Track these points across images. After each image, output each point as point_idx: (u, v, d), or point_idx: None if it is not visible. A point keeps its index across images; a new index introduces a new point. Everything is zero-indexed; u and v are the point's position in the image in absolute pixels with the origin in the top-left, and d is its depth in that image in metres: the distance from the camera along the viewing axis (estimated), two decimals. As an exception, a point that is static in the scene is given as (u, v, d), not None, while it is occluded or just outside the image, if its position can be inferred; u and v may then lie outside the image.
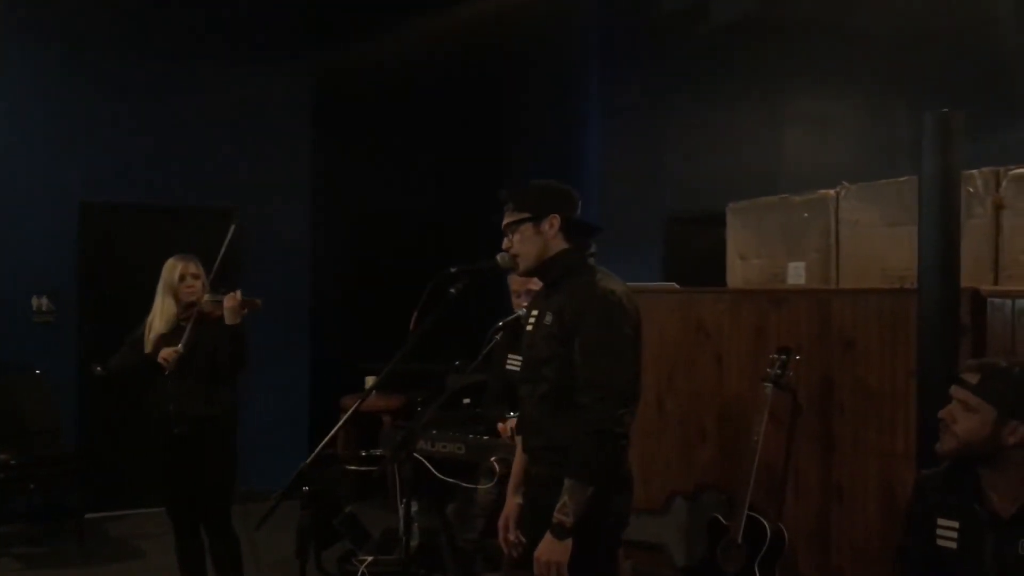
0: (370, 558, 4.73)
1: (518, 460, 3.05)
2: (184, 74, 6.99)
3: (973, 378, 2.35)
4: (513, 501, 3.00)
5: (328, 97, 7.56)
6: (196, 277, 4.37)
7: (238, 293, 4.26)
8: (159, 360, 4.21)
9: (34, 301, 6.54)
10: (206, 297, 4.32)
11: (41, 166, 6.58)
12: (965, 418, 2.33)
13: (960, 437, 2.33)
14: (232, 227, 4.44)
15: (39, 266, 6.54)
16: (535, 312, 2.96)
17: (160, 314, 4.34)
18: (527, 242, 2.84)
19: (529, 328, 2.96)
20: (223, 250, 4.38)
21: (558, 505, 2.65)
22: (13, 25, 6.53)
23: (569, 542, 2.65)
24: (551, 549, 2.66)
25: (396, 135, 7.76)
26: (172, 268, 4.39)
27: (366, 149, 7.69)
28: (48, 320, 6.58)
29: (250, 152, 7.18)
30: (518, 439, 3.06)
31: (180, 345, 4.19)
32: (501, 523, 3.02)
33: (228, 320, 4.22)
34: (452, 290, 2.87)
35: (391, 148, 7.77)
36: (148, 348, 4.29)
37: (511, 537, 2.97)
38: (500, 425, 3.96)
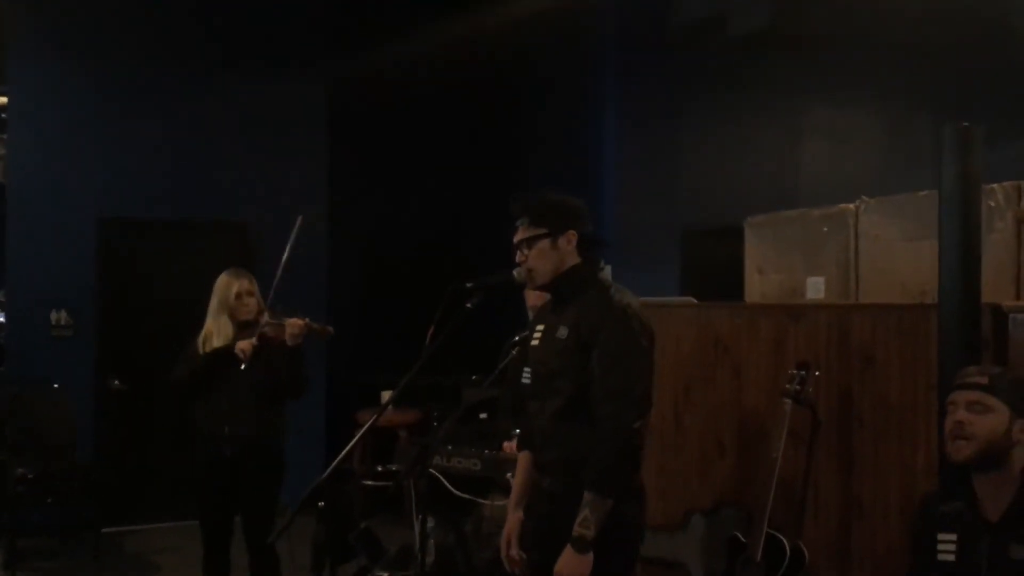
0: (385, 574, 4.71)
1: (520, 475, 3.03)
2: (200, 88, 7.03)
3: (983, 379, 2.40)
4: (515, 517, 3.00)
5: (344, 109, 7.58)
6: (251, 295, 4.28)
7: (300, 320, 4.13)
8: (236, 351, 4.11)
9: (52, 315, 6.58)
10: (266, 317, 4.21)
11: (59, 181, 6.63)
12: (984, 419, 2.35)
13: (980, 438, 2.34)
14: (299, 220, 4.25)
15: (57, 280, 6.58)
16: (541, 327, 2.95)
17: (217, 334, 4.23)
18: (543, 258, 2.84)
19: (535, 343, 2.94)
20: (288, 252, 4.26)
21: (579, 519, 2.65)
22: (32, 41, 6.59)
23: (591, 556, 2.65)
24: (573, 563, 2.66)
25: (413, 147, 7.78)
26: (227, 286, 4.28)
27: (383, 161, 7.71)
28: (66, 334, 6.61)
29: (267, 165, 7.20)
30: (521, 455, 3.04)
31: (255, 338, 4.10)
32: (504, 540, 3.02)
33: (290, 342, 4.12)
34: (468, 304, 2.86)
35: (408, 160, 7.78)
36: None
37: (514, 554, 2.97)
38: (506, 444, 3.94)
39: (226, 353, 4.16)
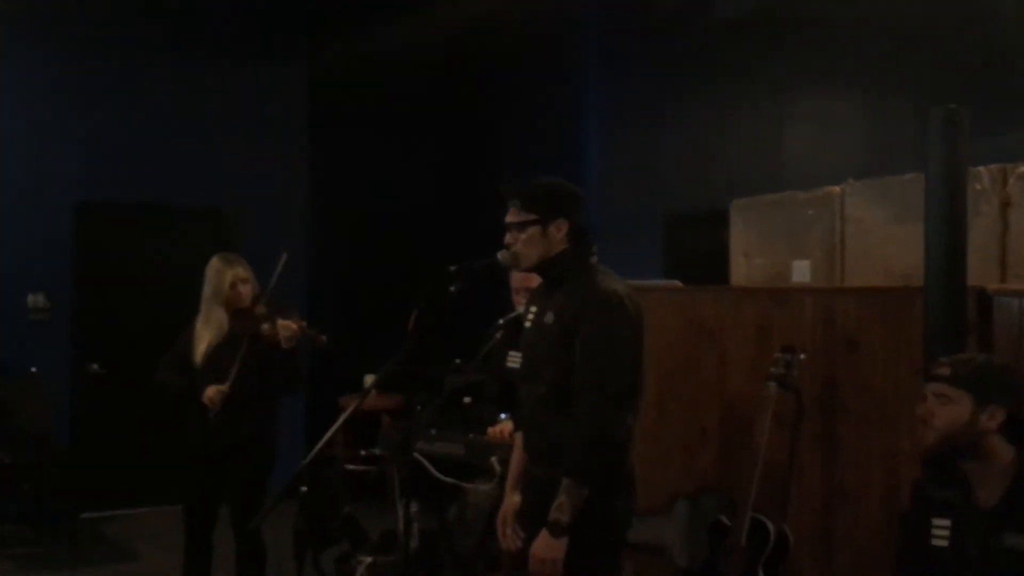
0: (369, 559, 4.69)
1: (516, 457, 3.02)
2: (179, 73, 6.96)
3: (945, 371, 2.41)
4: (511, 498, 2.99)
5: (324, 93, 7.51)
6: (246, 282, 4.17)
7: (294, 324, 4.03)
8: (205, 401, 4.02)
9: (29, 299, 6.50)
10: (262, 306, 4.10)
11: (37, 164, 6.55)
12: (943, 411, 2.37)
13: (939, 429, 2.37)
14: (284, 256, 4.13)
15: (34, 264, 6.51)
16: (534, 309, 2.93)
17: (209, 324, 4.13)
18: (532, 244, 2.81)
19: (528, 324, 2.92)
20: (273, 281, 4.15)
21: (555, 504, 2.65)
22: (9, 25, 6.49)
23: (565, 540, 2.65)
24: (547, 546, 2.66)
25: (394, 132, 7.72)
26: (220, 273, 4.14)
27: (363, 145, 7.64)
28: (43, 318, 6.53)
29: (246, 150, 7.14)
30: (517, 436, 3.03)
31: (227, 384, 4.00)
32: (500, 520, 3.01)
33: (284, 344, 4.03)
34: (452, 288, 2.83)
35: (389, 144, 7.72)
36: (198, 360, 4.11)
37: (510, 533, 2.96)
38: (490, 429, 3.92)
39: (221, 343, 4.09)
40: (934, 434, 2.38)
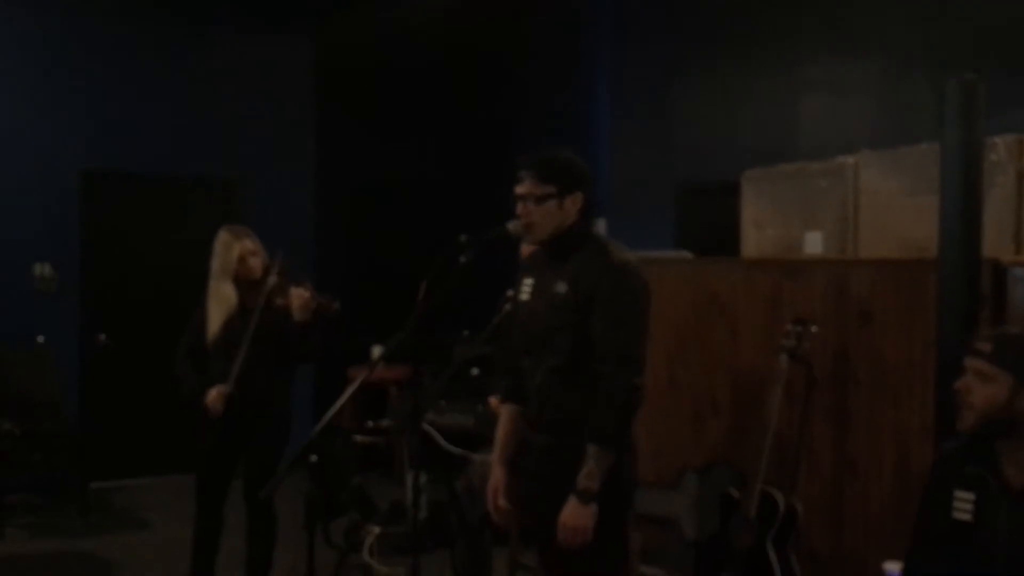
0: (378, 529, 4.71)
1: (503, 428, 3.02)
2: (185, 42, 6.91)
3: (987, 347, 2.34)
4: (501, 470, 2.99)
5: (332, 64, 7.46)
6: (255, 254, 4.08)
7: (307, 291, 3.97)
8: (207, 404, 3.97)
9: (36, 268, 6.49)
10: (273, 277, 4.03)
11: (42, 134, 6.51)
12: (982, 388, 2.31)
13: (978, 408, 2.32)
14: (279, 256, 4.07)
15: (41, 234, 6.49)
16: (530, 280, 2.90)
17: (219, 300, 4.05)
18: (548, 216, 2.80)
19: (526, 297, 2.90)
20: (274, 271, 4.08)
21: (583, 471, 2.66)
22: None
23: (594, 507, 2.67)
24: (577, 514, 2.67)
25: (401, 103, 7.67)
26: (228, 247, 4.05)
27: (371, 116, 7.60)
28: (50, 288, 6.53)
29: (252, 120, 7.09)
30: (505, 408, 3.02)
31: (227, 385, 3.96)
32: (490, 492, 3.02)
33: (297, 316, 3.95)
34: (462, 259, 2.81)
35: (396, 116, 7.68)
36: (211, 337, 4.05)
37: (502, 504, 2.97)
38: (491, 399, 3.90)
39: (233, 317, 4.04)
40: (972, 414, 2.33)
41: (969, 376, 2.35)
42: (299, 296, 3.96)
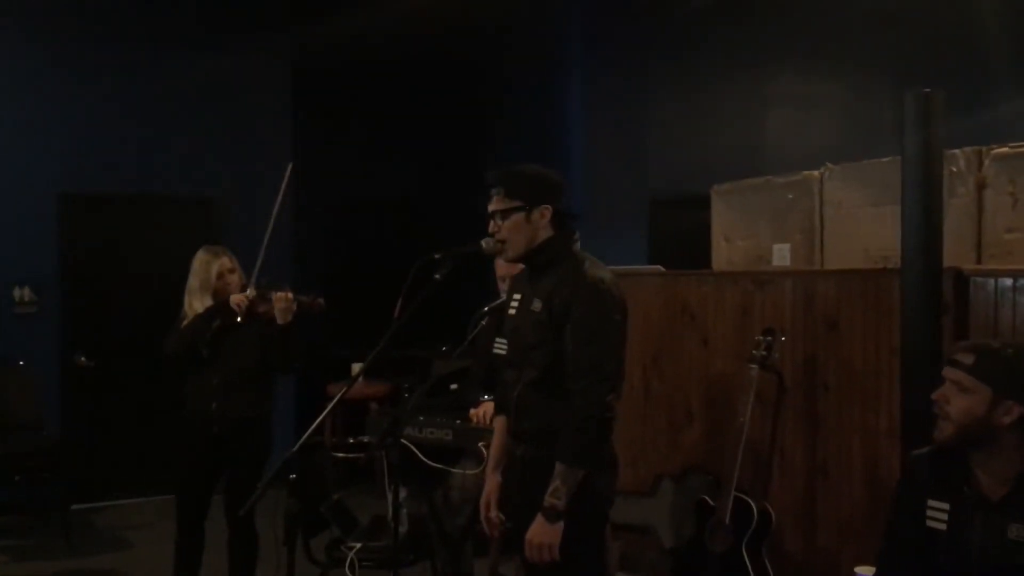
0: (358, 545, 4.72)
1: (497, 441, 3.06)
2: (161, 60, 6.92)
3: (968, 359, 2.32)
4: (494, 480, 3.03)
5: (308, 79, 7.50)
6: (233, 271, 4.17)
7: (289, 293, 4.03)
8: (232, 304, 3.98)
9: (16, 292, 6.49)
10: (251, 291, 4.08)
11: (19, 155, 6.51)
12: (959, 399, 2.30)
13: (955, 419, 2.31)
14: (289, 167, 4.15)
15: (20, 257, 6.48)
16: (518, 296, 2.96)
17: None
18: (517, 231, 2.83)
19: (512, 312, 2.96)
20: (277, 206, 4.15)
21: (550, 489, 2.68)
22: (-12, 14, 6.45)
23: (560, 525, 2.69)
24: (543, 532, 2.69)
25: (378, 117, 7.72)
26: (207, 264, 4.14)
27: (348, 132, 7.64)
28: (30, 311, 6.53)
29: (230, 139, 7.12)
30: (498, 420, 3.07)
31: (249, 290, 3.99)
32: (483, 502, 3.05)
33: (280, 320, 4.02)
34: (437, 275, 2.86)
35: (373, 130, 7.73)
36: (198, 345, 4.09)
37: (493, 516, 3.01)
38: (472, 411, 3.95)
39: (222, 310, 4.07)
40: (950, 426, 2.32)
41: (947, 386, 2.34)
42: (281, 299, 4.01)
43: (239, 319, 4.05)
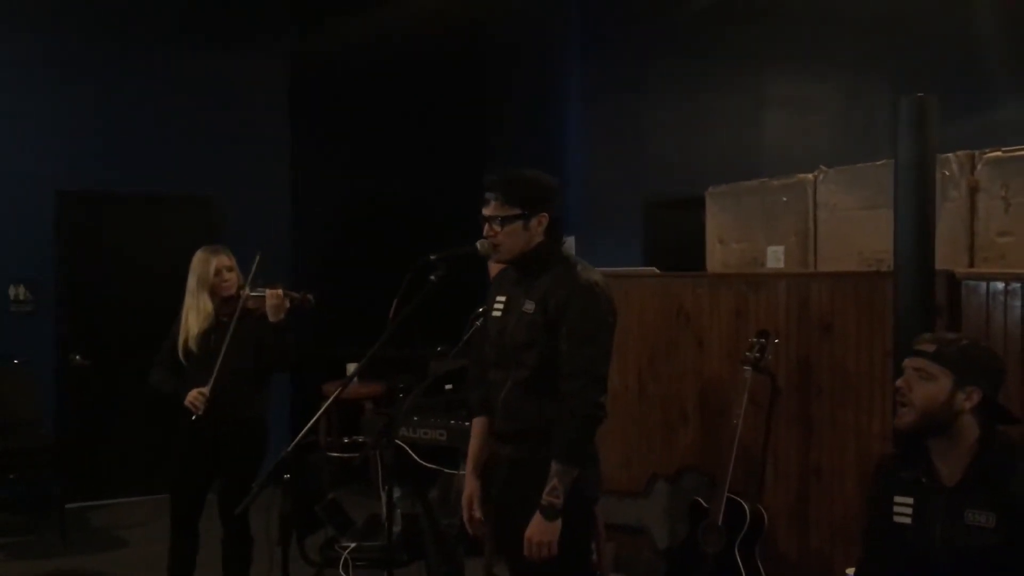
0: (353, 544, 4.73)
1: (475, 441, 3.09)
2: (160, 60, 6.93)
3: (929, 348, 2.42)
4: (474, 482, 3.05)
5: (306, 80, 7.51)
6: (231, 270, 4.18)
7: (280, 290, 4.06)
8: (187, 404, 4.01)
9: (11, 290, 6.49)
10: (246, 291, 4.10)
11: (17, 153, 6.52)
12: (921, 386, 2.38)
13: (917, 406, 2.38)
14: (258, 257, 4.13)
15: (16, 255, 6.49)
16: (502, 298, 2.97)
17: (197, 312, 4.13)
18: (513, 237, 2.85)
19: (497, 314, 2.97)
20: (250, 279, 4.14)
21: (547, 488, 2.72)
22: (-13, 12, 6.46)
23: (559, 522, 2.73)
24: (542, 530, 2.73)
25: (376, 120, 7.73)
26: (205, 262, 4.16)
27: (345, 132, 7.65)
28: (26, 310, 6.54)
29: (228, 138, 7.13)
30: (476, 421, 3.09)
31: (207, 387, 4.00)
32: (465, 502, 3.07)
33: (272, 317, 4.05)
34: (432, 277, 2.87)
35: (371, 131, 7.74)
36: (190, 346, 4.10)
37: (476, 515, 3.03)
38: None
39: (209, 329, 4.10)
40: (911, 413, 2.39)
41: (909, 374, 2.42)
42: (272, 296, 4.05)
43: (227, 320, 4.06)
